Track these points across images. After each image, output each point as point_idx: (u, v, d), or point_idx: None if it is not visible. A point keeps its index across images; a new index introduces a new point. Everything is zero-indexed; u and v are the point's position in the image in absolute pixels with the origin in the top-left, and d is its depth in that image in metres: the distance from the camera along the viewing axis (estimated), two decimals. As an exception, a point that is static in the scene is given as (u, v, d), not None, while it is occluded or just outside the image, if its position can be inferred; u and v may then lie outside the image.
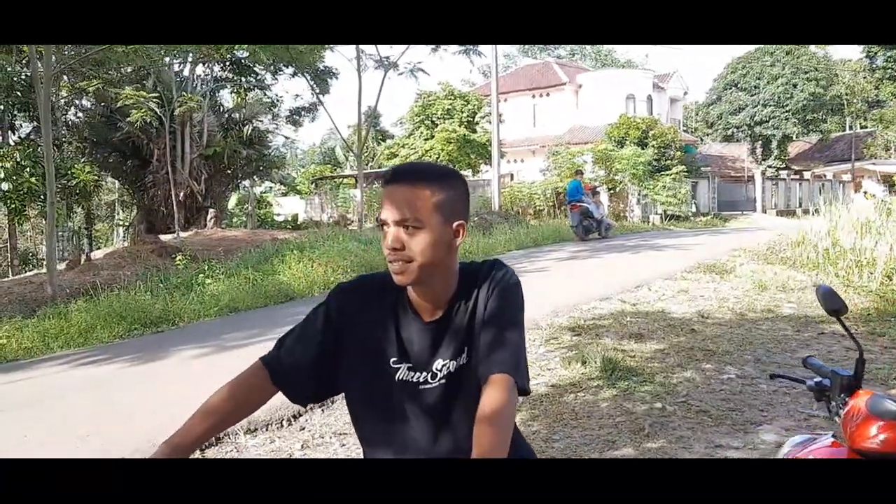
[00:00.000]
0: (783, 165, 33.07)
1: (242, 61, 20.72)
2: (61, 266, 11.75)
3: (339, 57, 58.46)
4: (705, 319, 6.08)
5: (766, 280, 7.74)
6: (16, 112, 16.05)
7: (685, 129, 33.63)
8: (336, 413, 4.10)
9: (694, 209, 23.46)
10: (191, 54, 18.15)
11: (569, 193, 14.40)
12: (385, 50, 18.48)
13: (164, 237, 14.73)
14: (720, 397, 4.09)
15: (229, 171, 21.05)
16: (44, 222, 14.04)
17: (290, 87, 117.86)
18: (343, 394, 1.44)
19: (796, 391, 4.11)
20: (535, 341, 5.38)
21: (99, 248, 18.68)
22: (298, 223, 23.33)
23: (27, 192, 13.64)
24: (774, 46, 31.56)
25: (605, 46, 46.21)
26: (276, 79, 22.50)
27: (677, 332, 5.62)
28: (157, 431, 3.81)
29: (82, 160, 16.97)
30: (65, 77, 16.75)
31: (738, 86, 33.01)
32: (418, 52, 30.08)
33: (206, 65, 20.15)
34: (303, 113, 24.37)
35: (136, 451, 3.58)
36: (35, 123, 15.98)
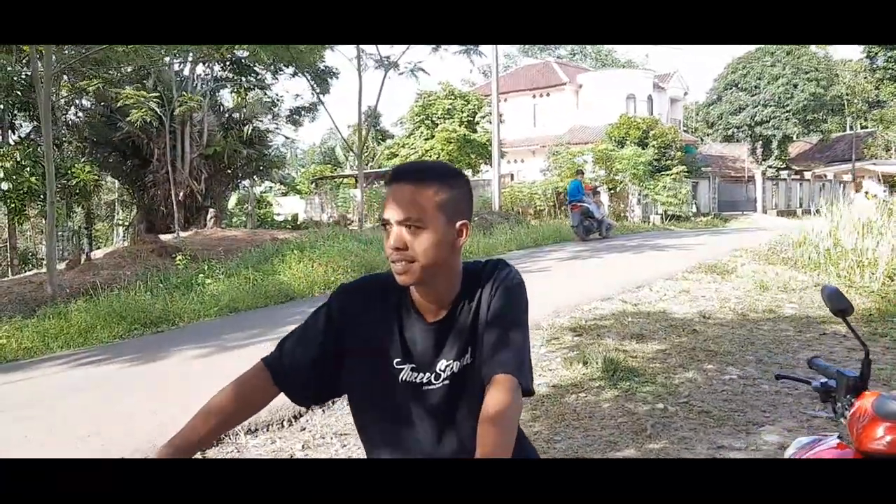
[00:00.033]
0: (784, 166, 33.07)
1: (242, 61, 20.72)
2: (61, 266, 11.74)
3: (339, 56, 58.55)
4: (707, 320, 6.07)
5: (768, 280, 7.73)
6: (16, 111, 16.04)
7: (685, 129, 33.63)
8: (337, 414, 4.09)
9: (694, 209, 23.46)
10: (191, 54, 18.14)
11: (569, 193, 14.39)
12: (385, 49, 18.48)
13: (164, 237, 14.72)
14: (722, 398, 4.08)
15: (229, 171, 21.05)
16: (44, 222, 14.03)
17: (290, 87, 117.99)
18: (344, 395, 1.43)
19: (798, 392, 4.10)
20: (536, 341, 5.36)
21: (99, 248, 18.67)
22: (298, 223, 23.33)
23: (27, 192, 13.64)
24: (775, 46, 31.57)
25: (606, 46, 46.20)
26: (277, 78, 22.53)
27: (679, 333, 5.60)
28: (157, 431, 3.81)
29: (82, 160, 16.98)
30: (65, 76, 16.75)
31: (739, 86, 33.02)
32: (419, 52, 30.13)
33: (206, 64, 20.15)
34: (303, 113, 24.36)
35: (136, 452, 3.57)
36: (35, 123, 15.98)
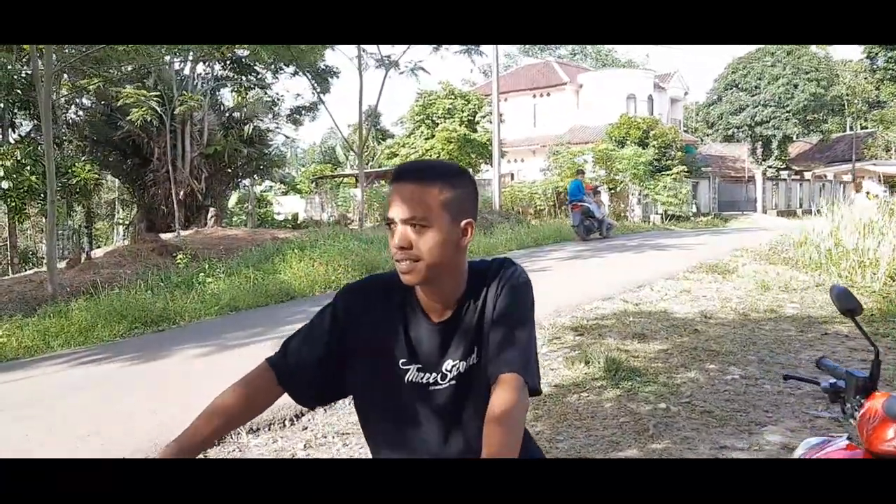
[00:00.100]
0: (784, 166, 33.10)
1: (243, 60, 20.71)
2: (61, 264, 11.73)
3: (339, 56, 58.67)
4: (708, 320, 6.06)
5: (769, 280, 7.73)
6: (16, 110, 16.00)
7: (686, 129, 33.62)
8: (339, 413, 4.08)
9: (694, 209, 23.46)
10: (191, 53, 18.12)
11: (570, 193, 14.38)
12: (386, 49, 18.47)
13: (164, 236, 14.70)
14: (724, 398, 4.07)
15: (230, 170, 21.03)
16: (44, 221, 14.02)
17: (290, 86, 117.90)
18: (348, 395, 1.42)
19: (801, 392, 4.09)
20: (538, 341, 5.35)
21: (99, 247, 18.64)
22: (298, 222, 23.31)
23: (27, 191, 13.62)
24: (775, 47, 31.60)
25: (606, 46, 46.20)
26: (277, 78, 22.52)
27: (680, 333, 5.59)
28: (158, 431, 3.80)
29: (83, 159, 16.97)
30: (65, 75, 16.73)
31: (739, 86, 33.04)
32: (419, 52, 30.12)
33: (206, 63, 20.13)
34: (303, 112, 24.34)
35: (137, 451, 3.56)
36: (35, 122, 15.95)
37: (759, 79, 32.28)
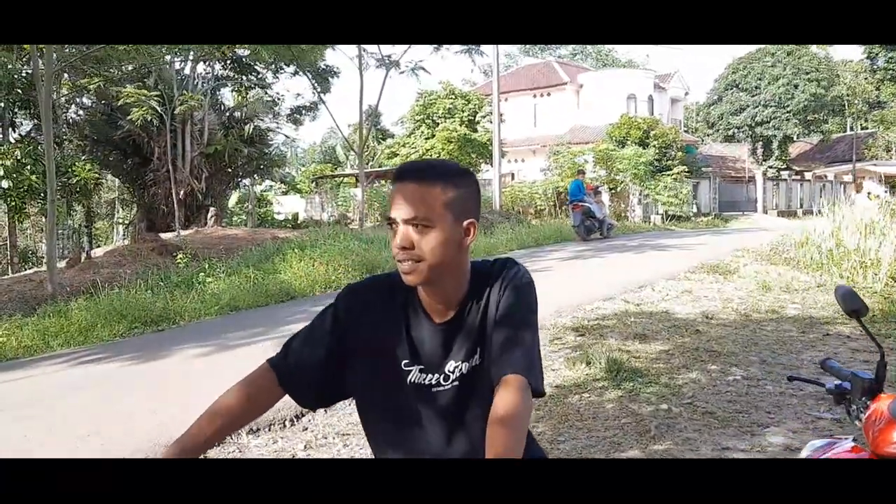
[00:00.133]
0: (784, 166, 33.10)
1: (243, 60, 20.69)
2: (61, 264, 11.71)
3: (340, 55, 58.71)
4: (710, 320, 6.05)
5: (770, 281, 7.71)
6: (16, 109, 15.99)
7: (686, 129, 33.62)
8: (339, 413, 4.07)
9: (695, 209, 23.46)
10: (192, 52, 18.12)
11: (571, 193, 14.37)
12: (387, 48, 18.45)
13: (164, 235, 14.68)
14: (726, 399, 4.06)
15: (230, 170, 21.02)
16: (44, 220, 14.01)
17: (291, 86, 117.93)
18: (349, 396, 1.41)
19: (803, 393, 4.08)
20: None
21: (99, 247, 18.63)
22: (299, 222, 23.31)
23: (27, 190, 13.61)
24: (775, 47, 31.61)
25: (606, 46, 46.19)
26: (278, 77, 22.50)
27: (682, 333, 5.58)
28: (158, 431, 3.79)
29: (83, 158, 16.94)
30: (66, 75, 16.72)
31: (739, 86, 33.04)
32: (420, 51, 30.15)
33: (207, 63, 20.12)
34: (304, 112, 24.32)
35: (137, 451, 3.55)
36: (36, 121, 15.94)
37: (760, 79, 32.28)
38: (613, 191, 22.08)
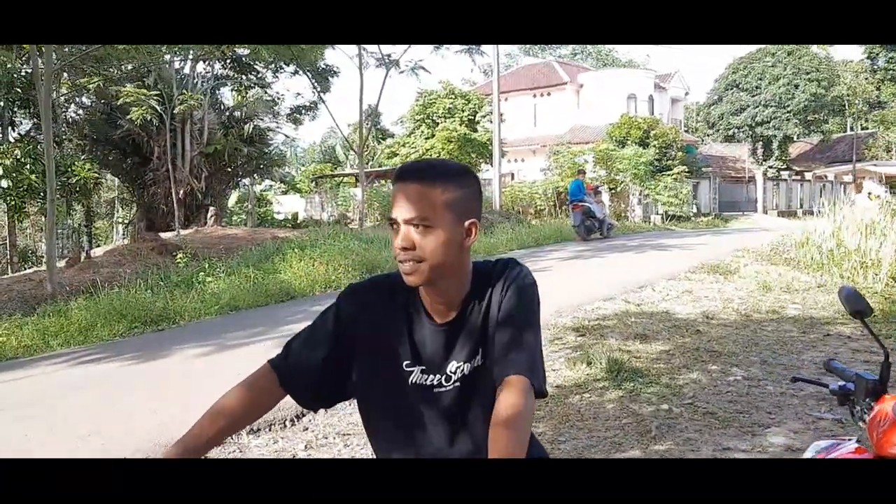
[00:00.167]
0: (784, 166, 33.10)
1: (243, 59, 20.67)
2: (61, 263, 11.70)
3: (340, 55, 58.64)
4: (710, 320, 6.04)
5: (771, 281, 7.71)
6: (16, 109, 15.98)
7: (686, 129, 33.62)
8: (340, 414, 4.06)
9: (695, 209, 23.46)
10: (191, 52, 18.10)
11: (571, 193, 14.37)
12: (387, 48, 18.45)
13: (164, 235, 14.67)
14: (727, 399, 4.05)
15: (229, 169, 21.00)
16: (43, 219, 14.00)
17: (290, 85, 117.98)
18: (350, 398, 1.41)
19: (804, 393, 4.08)
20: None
21: (99, 246, 18.61)
22: (298, 221, 23.30)
23: (27, 189, 13.61)
24: (776, 47, 31.61)
25: (607, 46, 46.18)
26: (277, 77, 22.46)
27: (682, 333, 5.58)
28: (158, 431, 3.79)
29: (82, 157, 16.94)
30: (65, 74, 16.70)
31: (740, 86, 33.03)
32: (420, 51, 30.19)
33: (206, 62, 20.09)
34: (303, 111, 24.30)
35: (137, 451, 3.54)
36: (35, 120, 15.92)
37: (760, 79, 32.28)
38: (613, 191, 22.08)
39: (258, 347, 5.64)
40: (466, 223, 1.28)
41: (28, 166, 13.46)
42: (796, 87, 31.44)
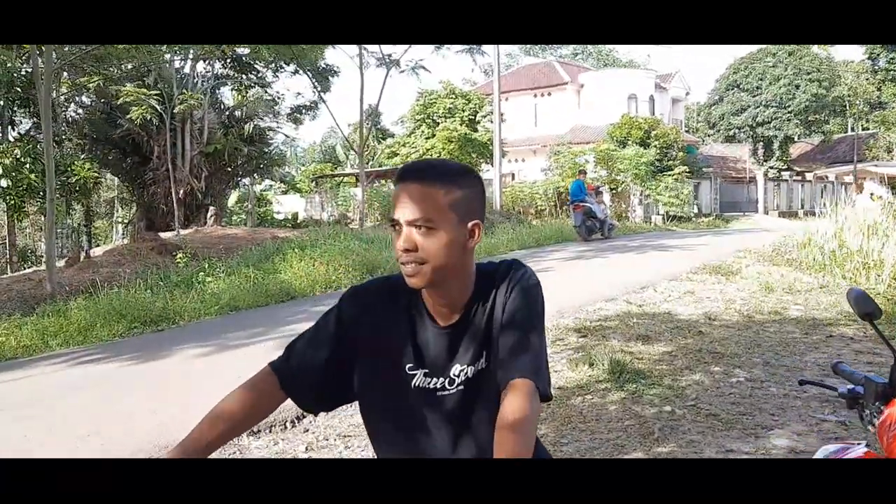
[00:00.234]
0: (785, 167, 33.07)
1: (243, 58, 20.67)
2: (60, 263, 11.68)
3: (340, 54, 58.61)
4: (712, 321, 6.02)
5: (773, 282, 7.69)
6: (16, 108, 15.98)
7: (687, 129, 33.62)
8: (340, 415, 4.04)
9: (696, 210, 23.46)
10: (192, 51, 18.10)
11: (572, 193, 14.36)
12: (387, 48, 18.44)
13: (163, 235, 14.66)
14: (730, 401, 4.03)
15: (229, 169, 21.00)
16: (43, 219, 13.98)
17: (291, 85, 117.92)
18: (352, 401, 1.39)
19: (807, 395, 4.05)
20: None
21: (98, 246, 18.58)
22: (298, 221, 23.30)
23: (27, 189, 13.59)
24: (777, 47, 31.58)
25: (607, 46, 46.17)
26: (278, 76, 22.46)
27: (684, 334, 5.56)
28: (158, 431, 3.77)
29: (82, 157, 16.93)
30: (65, 73, 16.69)
31: (741, 86, 32.99)
32: (420, 51, 30.19)
33: (206, 62, 20.08)
34: (304, 111, 24.28)
35: (137, 451, 3.53)
36: (35, 120, 15.91)
37: (761, 79, 32.24)
38: (614, 191, 22.08)
39: (258, 348, 5.62)
40: (469, 224, 1.26)
41: (28, 165, 13.45)
42: (797, 87, 31.42)
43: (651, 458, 3.26)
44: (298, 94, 36.38)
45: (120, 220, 25.74)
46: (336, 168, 32.65)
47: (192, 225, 17.73)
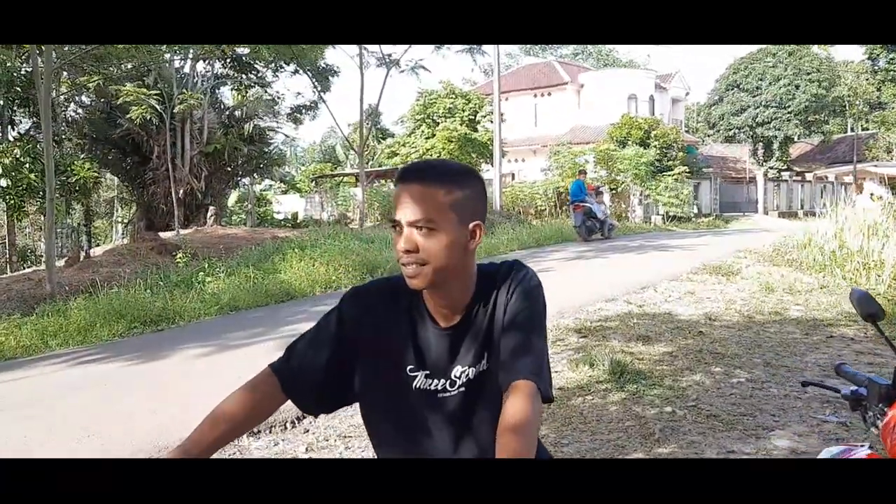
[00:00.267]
0: (785, 167, 33.05)
1: (243, 58, 20.66)
2: (60, 263, 11.67)
3: (340, 54, 58.62)
4: (713, 322, 6.02)
5: (773, 282, 7.68)
6: (15, 108, 15.95)
7: (687, 129, 33.61)
8: (341, 416, 4.03)
9: (696, 210, 23.45)
10: (192, 51, 18.09)
11: (572, 193, 14.36)
12: (387, 47, 18.44)
13: (163, 234, 14.65)
14: (731, 401, 4.02)
15: (229, 169, 21.00)
16: (43, 219, 13.96)
17: (291, 85, 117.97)
18: (353, 403, 1.38)
19: (808, 396, 4.05)
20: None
21: (98, 245, 18.58)
22: (298, 221, 23.30)
23: (26, 189, 13.57)
24: (776, 47, 31.57)
25: (607, 46, 46.17)
26: (277, 76, 22.45)
27: (685, 335, 5.55)
28: (158, 431, 3.76)
29: (82, 157, 16.90)
30: (65, 73, 16.68)
31: (740, 86, 32.97)
32: (420, 50, 30.22)
33: (206, 62, 20.08)
34: (304, 110, 24.27)
35: (137, 452, 3.53)
36: (35, 119, 15.89)
37: (761, 79, 32.23)
38: (614, 191, 22.07)
39: (258, 348, 5.61)
40: (471, 225, 1.25)
41: (27, 165, 13.43)
42: (797, 87, 31.40)
43: (652, 458, 3.25)
44: (298, 93, 36.42)
45: (120, 219, 25.74)
46: (336, 168, 32.65)
47: (191, 225, 17.73)
